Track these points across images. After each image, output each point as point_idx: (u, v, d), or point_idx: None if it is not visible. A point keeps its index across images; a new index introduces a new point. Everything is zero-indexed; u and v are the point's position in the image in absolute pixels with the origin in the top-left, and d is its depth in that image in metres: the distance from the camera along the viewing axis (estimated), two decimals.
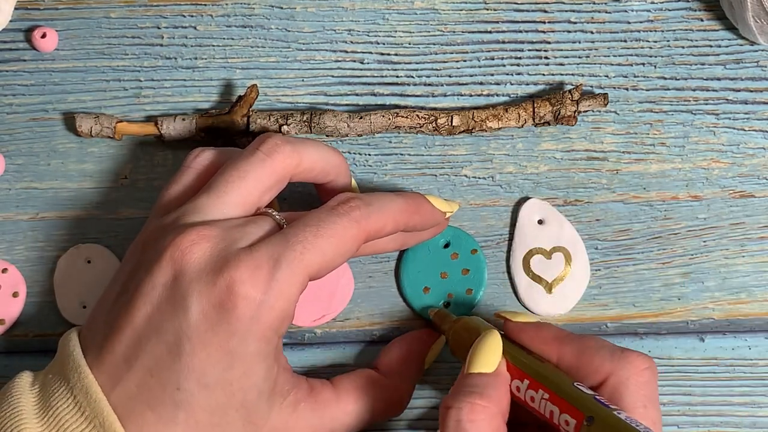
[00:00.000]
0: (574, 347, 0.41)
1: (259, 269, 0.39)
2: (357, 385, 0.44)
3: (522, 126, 0.50)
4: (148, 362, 0.39)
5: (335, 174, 0.45)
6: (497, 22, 0.52)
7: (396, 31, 0.52)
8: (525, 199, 0.50)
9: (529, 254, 0.50)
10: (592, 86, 0.51)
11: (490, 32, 0.52)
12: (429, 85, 0.51)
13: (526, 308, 0.50)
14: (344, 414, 0.43)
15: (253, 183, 0.42)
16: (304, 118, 0.49)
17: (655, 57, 0.51)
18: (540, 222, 0.50)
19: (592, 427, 0.38)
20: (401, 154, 0.51)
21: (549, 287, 0.49)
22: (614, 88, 0.51)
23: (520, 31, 0.52)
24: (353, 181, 0.48)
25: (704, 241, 0.50)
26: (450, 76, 0.51)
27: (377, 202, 0.42)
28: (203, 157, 0.45)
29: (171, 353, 0.39)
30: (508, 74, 0.51)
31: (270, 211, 0.42)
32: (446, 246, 0.49)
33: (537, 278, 0.49)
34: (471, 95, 0.51)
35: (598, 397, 0.39)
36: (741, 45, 0.51)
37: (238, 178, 0.42)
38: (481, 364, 0.41)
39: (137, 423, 0.39)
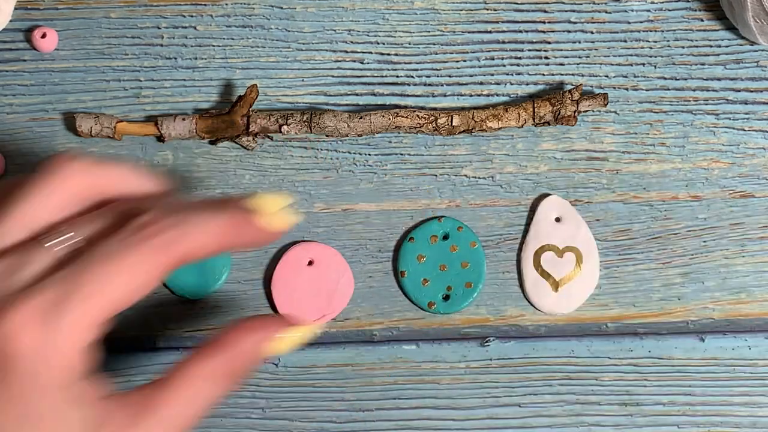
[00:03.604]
0: None
1: (33, 321, 0.33)
2: (188, 372, 0.37)
3: (522, 126, 0.50)
4: None
5: (150, 202, 0.38)
6: (497, 22, 0.52)
7: (396, 31, 0.52)
8: (546, 195, 0.50)
9: (541, 249, 0.50)
10: (592, 86, 0.51)
11: (490, 32, 0.52)
12: (429, 85, 0.51)
13: (530, 303, 0.50)
14: (184, 406, 0.36)
15: (38, 200, 0.37)
16: (304, 118, 0.49)
17: (655, 57, 0.51)
18: (557, 220, 0.50)
19: None
20: (401, 154, 0.51)
21: (556, 285, 0.49)
22: (614, 88, 0.51)
23: (520, 31, 0.52)
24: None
25: (704, 241, 0.50)
26: (450, 76, 0.51)
27: (190, 222, 0.36)
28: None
29: None
30: (508, 74, 0.51)
31: (61, 236, 0.36)
32: (445, 238, 0.49)
33: (545, 274, 0.49)
34: (471, 95, 0.51)
35: None
36: (741, 45, 0.51)
37: (20, 199, 0.37)
38: None
39: None
